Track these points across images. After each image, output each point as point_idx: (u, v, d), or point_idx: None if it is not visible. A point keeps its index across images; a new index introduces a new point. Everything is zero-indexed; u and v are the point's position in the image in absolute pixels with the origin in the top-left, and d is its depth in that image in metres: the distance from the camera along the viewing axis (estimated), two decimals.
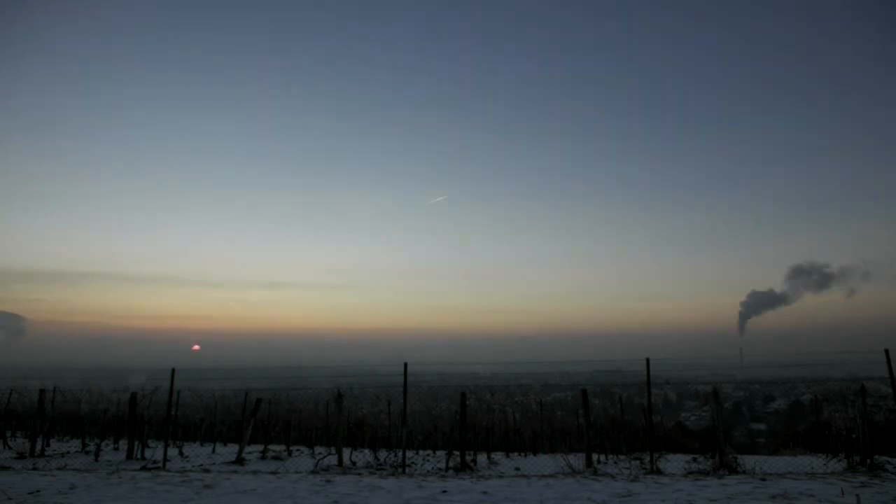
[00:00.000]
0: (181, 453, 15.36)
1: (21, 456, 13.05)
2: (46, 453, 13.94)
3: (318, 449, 18.66)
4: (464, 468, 10.71)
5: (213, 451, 17.38)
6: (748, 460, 10.71)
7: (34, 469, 10.40)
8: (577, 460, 10.88)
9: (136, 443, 13.17)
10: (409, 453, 16.72)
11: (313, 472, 9.97)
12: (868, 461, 9.79)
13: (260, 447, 16.20)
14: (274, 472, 9.92)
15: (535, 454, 19.09)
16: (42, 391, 14.77)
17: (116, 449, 16.02)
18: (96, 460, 12.54)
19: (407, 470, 10.44)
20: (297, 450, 18.07)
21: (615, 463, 14.04)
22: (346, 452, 13.21)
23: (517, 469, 11.62)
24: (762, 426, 52.87)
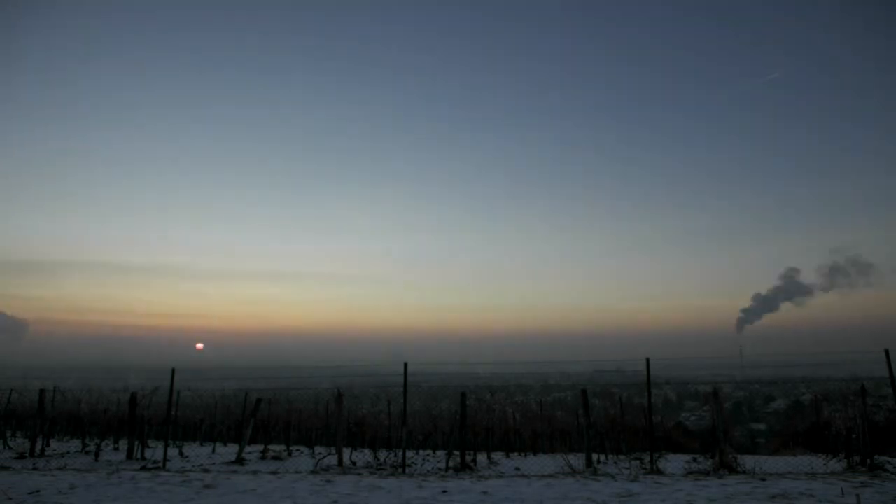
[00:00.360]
0: (181, 453, 15.37)
1: (21, 456, 13.07)
2: (46, 453, 13.96)
3: (318, 449, 18.67)
4: (464, 468, 10.71)
5: (213, 451, 17.39)
6: (748, 460, 10.70)
7: (34, 469, 10.41)
8: (577, 460, 10.89)
9: (136, 443, 13.18)
10: (409, 453, 16.72)
11: (313, 472, 9.98)
12: (868, 461, 9.79)
13: (260, 447, 16.21)
14: (274, 472, 9.92)
15: (535, 454, 19.08)
16: (42, 391, 14.77)
17: (116, 449, 16.04)
18: (96, 460, 12.54)
19: (407, 470, 10.44)
20: (297, 450, 18.07)
21: (615, 463, 14.03)
22: (346, 452, 13.21)
23: (517, 469, 11.61)
24: (762, 426, 52.86)
